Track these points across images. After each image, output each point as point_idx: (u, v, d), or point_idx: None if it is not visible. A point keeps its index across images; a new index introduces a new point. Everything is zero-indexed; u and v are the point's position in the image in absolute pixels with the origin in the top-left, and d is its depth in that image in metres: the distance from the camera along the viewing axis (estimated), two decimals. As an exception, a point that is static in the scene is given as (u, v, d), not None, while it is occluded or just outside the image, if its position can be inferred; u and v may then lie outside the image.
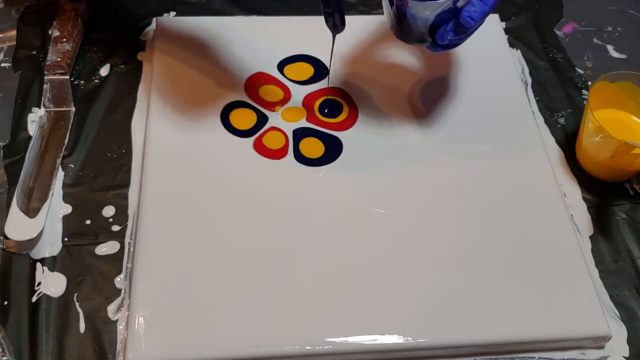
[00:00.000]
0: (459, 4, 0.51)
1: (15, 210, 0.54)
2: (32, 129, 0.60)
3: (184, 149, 0.58)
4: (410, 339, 0.49)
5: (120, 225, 0.55)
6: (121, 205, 0.56)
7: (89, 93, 0.63)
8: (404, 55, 0.67)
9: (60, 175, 0.57)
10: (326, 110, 0.62)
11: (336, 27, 0.55)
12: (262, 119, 0.61)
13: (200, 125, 0.60)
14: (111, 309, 0.51)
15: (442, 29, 0.52)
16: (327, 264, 0.52)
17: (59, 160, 0.58)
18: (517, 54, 0.71)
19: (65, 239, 0.54)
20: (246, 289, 0.51)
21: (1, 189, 0.56)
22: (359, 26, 0.67)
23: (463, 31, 0.52)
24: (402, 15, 0.53)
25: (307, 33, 0.67)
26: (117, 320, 0.50)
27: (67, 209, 0.56)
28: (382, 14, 0.55)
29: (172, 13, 0.70)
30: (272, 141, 0.60)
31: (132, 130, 0.61)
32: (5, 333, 0.49)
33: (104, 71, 0.65)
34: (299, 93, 0.64)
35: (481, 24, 0.53)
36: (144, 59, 0.66)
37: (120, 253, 0.53)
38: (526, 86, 0.68)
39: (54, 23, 0.66)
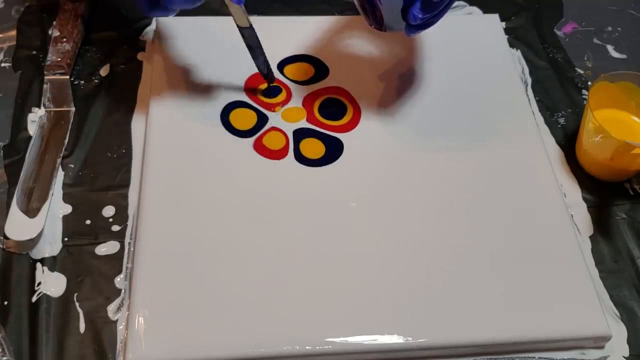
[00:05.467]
0: None
1: (15, 210, 0.54)
2: (32, 129, 0.60)
3: (184, 149, 0.58)
4: (410, 339, 0.49)
5: (120, 225, 0.55)
6: (121, 205, 0.56)
7: (89, 93, 0.63)
8: (403, 56, 0.67)
9: (60, 175, 0.57)
10: (329, 112, 0.62)
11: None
12: (262, 119, 0.61)
13: (200, 125, 0.60)
14: (111, 309, 0.51)
15: (412, 10, 0.52)
16: (327, 264, 0.52)
17: (59, 160, 0.58)
18: (517, 54, 0.71)
19: (65, 239, 0.54)
20: (246, 289, 0.51)
21: (1, 189, 0.56)
22: (360, 24, 0.67)
23: (433, 6, 0.51)
24: (372, 4, 0.53)
25: (307, 33, 0.67)
26: (117, 320, 0.50)
27: (67, 209, 0.56)
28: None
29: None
30: (273, 141, 0.60)
31: (132, 130, 0.61)
32: (5, 333, 0.49)
33: (104, 71, 0.65)
34: (299, 93, 0.64)
35: None
36: (144, 59, 0.66)
37: (120, 253, 0.53)
38: (526, 86, 0.68)
39: (54, 23, 0.66)
